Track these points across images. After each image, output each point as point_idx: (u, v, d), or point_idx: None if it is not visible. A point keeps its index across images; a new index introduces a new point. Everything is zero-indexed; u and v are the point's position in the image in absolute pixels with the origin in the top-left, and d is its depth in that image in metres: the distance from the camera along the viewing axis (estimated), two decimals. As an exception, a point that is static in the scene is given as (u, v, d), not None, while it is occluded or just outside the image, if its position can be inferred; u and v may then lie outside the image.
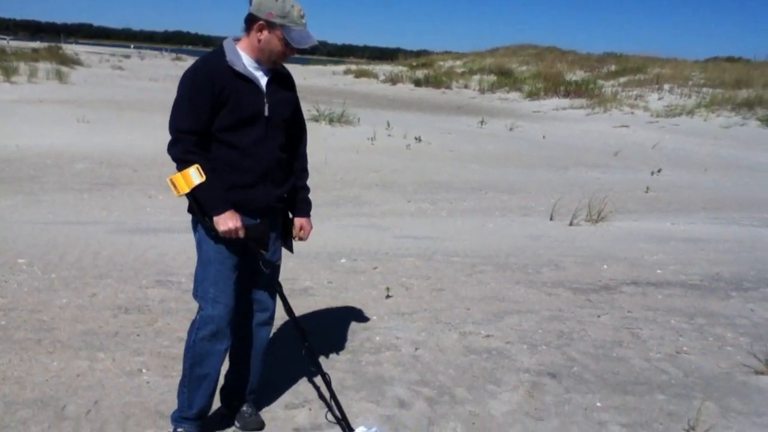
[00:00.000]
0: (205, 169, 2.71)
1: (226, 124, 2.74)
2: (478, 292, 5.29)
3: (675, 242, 7.54)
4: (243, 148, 2.76)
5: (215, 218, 2.75)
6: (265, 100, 2.80)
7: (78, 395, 3.30)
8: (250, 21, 2.75)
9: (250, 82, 2.76)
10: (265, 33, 2.72)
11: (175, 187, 2.74)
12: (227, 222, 2.73)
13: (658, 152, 16.51)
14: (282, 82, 2.92)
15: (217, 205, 2.74)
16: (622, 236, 7.76)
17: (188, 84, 2.74)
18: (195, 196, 2.75)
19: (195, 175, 2.70)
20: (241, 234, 2.77)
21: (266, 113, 2.79)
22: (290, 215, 3.13)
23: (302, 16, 2.74)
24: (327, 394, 3.16)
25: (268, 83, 2.83)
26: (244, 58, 2.78)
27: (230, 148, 2.76)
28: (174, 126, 2.73)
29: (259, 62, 2.81)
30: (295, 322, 3.09)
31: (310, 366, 3.20)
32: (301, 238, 3.15)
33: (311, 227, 3.17)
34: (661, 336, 4.59)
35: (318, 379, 3.64)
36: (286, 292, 4.82)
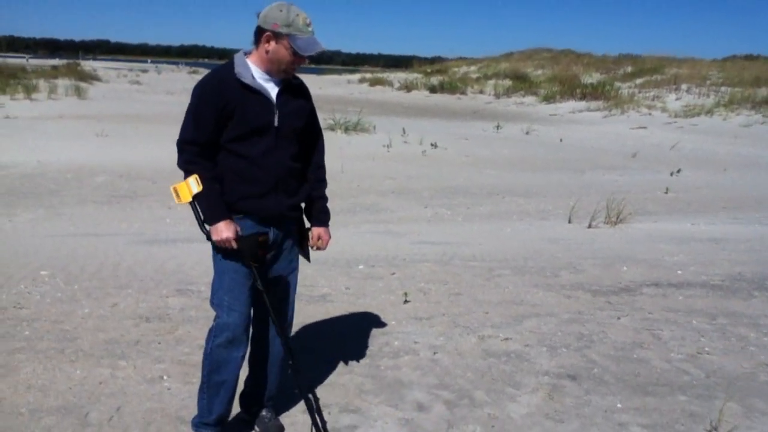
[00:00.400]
0: (204, 179, 2.76)
1: (234, 135, 2.78)
2: (497, 296, 5.28)
3: (695, 243, 7.47)
4: (252, 158, 2.79)
5: (210, 227, 2.80)
6: (275, 110, 2.82)
7: (100, 402, 3.34)
8: (258, 33, 2.78)
9: (259, 93, 2.79)
10: (273, 44, 2.75)
11: (177, 195, 2.82)
12: (221, 232, 2.76)
13: (676, 153, 16.38)
14: (294, 92, 2.93)
15: (213, 215, 2.79)
16: (641, 238, 7.70)
17: (195, 97, 2.81)
18: (196, 206, 2.82)
19: (193, 185, 2.77)
20: (234, 245, 2.78)
21: (276, 123, 2.81)
22: (307, 225, 3.14)
23: (308, 24, 2.75)
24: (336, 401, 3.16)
25: (279, 94, 2.85)
26: (253, 70, 2.81)
27: (240, 158, 2.80)
28: (179, 137, 2.82)
29: (270, 73, 2.83)
30: (283, 336, 3.01)
31: (294, 388, 3.16)
32: (318, 248, 3.15)
33: (329, 237, 3.16)
34: (682, 337, 4.55)
35: (337, 383, 3.66)
36: (304, 299, 4.88)
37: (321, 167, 3.14)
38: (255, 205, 2.84)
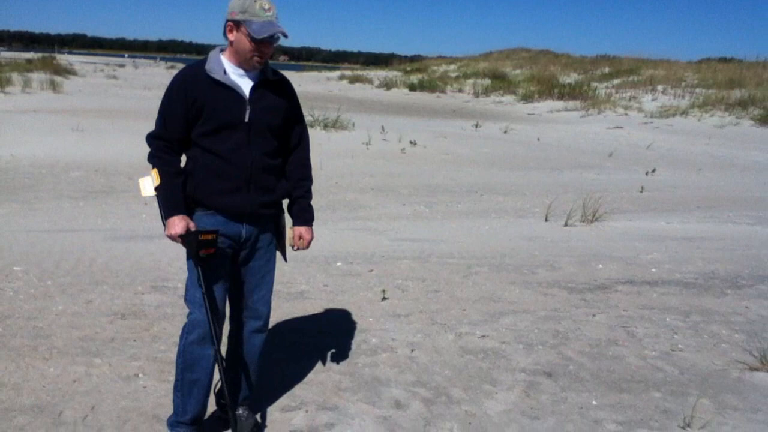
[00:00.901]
0: (163, 173, 2.78)
1: (204, 130, 2.78)
2: (474, 293, 5.30)
3: (670, 241, 7.57)
4: (222, 153, 2.78)
5: (165, 221, 2.79)
6: (248, 106, 2.79)
7: (75, 401, 3.30)
8: (224, 27, 2.77)
9: (229, 89, 2.77)
10: (235, 33, 2.74)
11: (141, 188, 2.87)
12: (171, 227, 2.76)
13: (652, 152, 16.58)
14: (273, 88, 2.89)
15: (167, 209, 2.79)
16: (617, 236, 7.78)
17: (166, 93, 2.82)
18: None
19: (153, 179, 2.81)
20: (180, 241, 2.77)
21: (246, 119, 2.78)
22: (284, 222, 3.11)
23: (266, 9, 2.69)
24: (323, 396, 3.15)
25: (254, 89, 2.82)
26: (226, 65, 2.80)
27: (210, 154, 2.79)
28: (149, 132, 2.85)
29: (242, 67, 2.80)
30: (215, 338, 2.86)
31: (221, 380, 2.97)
32: (299, 248, 3.10)
33: (312, 237, 3.12)
34: (657, 334, 4.61)
35: (315, 381, 3.65)
36: (282, 296, 4.86)
37: (305, 165, 3.10)
38: (225, 201, 2.82)
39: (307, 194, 3.11)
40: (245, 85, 2.81)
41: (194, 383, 2.90)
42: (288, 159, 3.05)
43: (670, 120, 23.59)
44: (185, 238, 2.76)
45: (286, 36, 2.74)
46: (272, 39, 2.73)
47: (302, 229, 3.09)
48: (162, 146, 2.80)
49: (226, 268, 2.90)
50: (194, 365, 2.87)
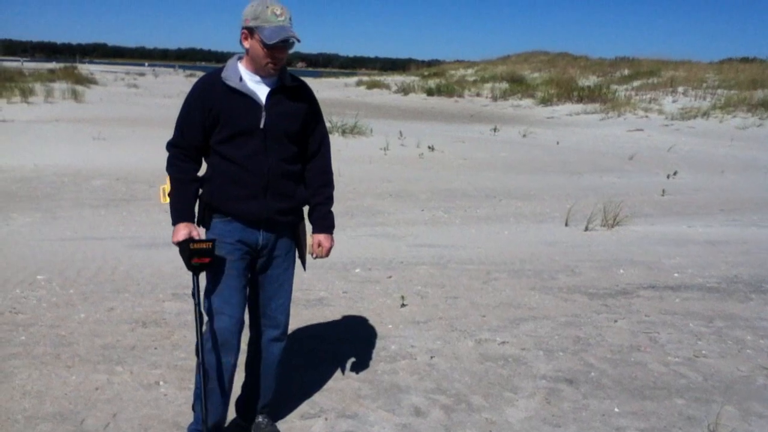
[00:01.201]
0: (175, 180, 2.85)
1: (221, 137, 2.81)
2: (494, 300, 5.27)
3: (692, 245, 7.47)
4: (238, 160, 2.80)
5: (173, 227, 2.84)
6: (263, 112, 2.80)
7: (97, 408, 3.33)
8: (240, 35, 2.80)
9: (244, 96, 2.78)
10: (249, 40, 2.76)
11: (161, 195, 2.93)
12: (175, 234, 2.82)
13: (673, 155, 16.40)
14: (290, 93, 2.89)
15: (174, 216, 2.84)
16: (638, 240, 7.70)
17: (184, 101, 2.88)
18: None
19: (166, 187, 2.86)
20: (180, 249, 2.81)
21: (262, 125, 2.79)
22: (305, 230, 3.09)
23: (278, 15, 2.70)
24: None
25: (270, 95, 2.82)
26: (243, 72, 2.82)
27: (227, 161, 2.82)
28: (169, 140, 2.91)
29: (259, 74, 2.82)
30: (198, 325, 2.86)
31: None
32: (318, 255, 3.08)
33: (331, 244, 3.09)
34: (680, 340, 4.55)
35: (335, 388, 3.65)
36: (301, 302, 4.87)
37: (325, 172, 3.08)
38: (242, 207, 2.83)
39: (328, 201, 3.08)
40: (261, 91, 2.82)
41: (213, 390, 2.90)
42: (308, 165, 3.03)
43: (691, 122, 23.32)
44: (179, 246, 2.79)
45: (298, 40, 2.75)
46: (285, 44, 2.73)
47: (321, 237, 3.08)
48: (179, 154, 2.85)
49: (243, 275, 2.90)
50: (213, 373, 2.88)
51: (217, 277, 2.85)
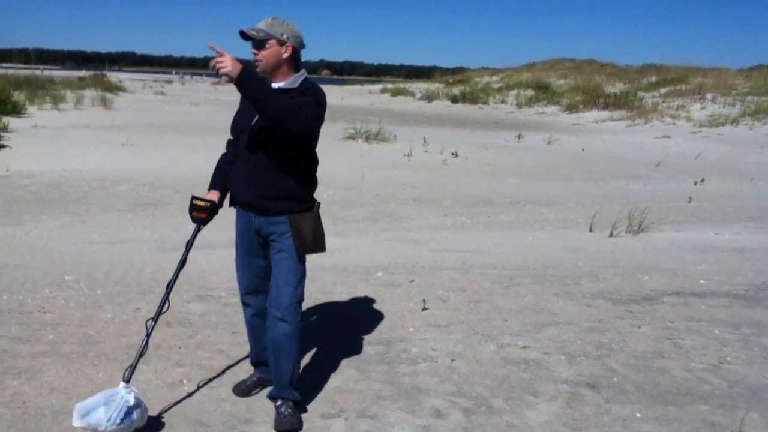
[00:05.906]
0: (219, 161, 3.49)
1: (235, 133, 3.38)
2: (516, 304, 5.26)
3: (719, 252, 7.38)
4: (239, 153, 3.29)
5: None
6: (257, 114, 3.08)
7: (122, 406, 3.38)
8: None
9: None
10: None
11: None
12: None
13: (701, 162, 16.18)
14: (289, 96, 3.07)
15: (210, 184, 3.49)
16: (664, 247, 7.62)
17: None
18: None
19: None
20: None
21: (252, 123, 3.16)
22: (306, 225, 3.23)
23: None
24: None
25: None
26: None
27: (237, 154, 3.32)
28: None
29: (270, 80, 3.15)
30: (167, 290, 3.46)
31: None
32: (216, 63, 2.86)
33: (230, 61, 2.84)
34: (704, 346, 4.49)
35: (355, 389, 3.67)
36: (323, 305, 4.90)
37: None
38: (234, 191, 3.34)
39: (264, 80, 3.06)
40: None
41: (248, 333, 3.62)
42: (298, 156, 3.17)
43: (719, 129, 22.96)
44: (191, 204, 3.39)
45: (243, 33, 3.04)
46: (243, 38, 3.10)
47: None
48: (227, 143, 3.48)
49: (249, 252, 3.37)
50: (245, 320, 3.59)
51: (236, 250, 3.43)
